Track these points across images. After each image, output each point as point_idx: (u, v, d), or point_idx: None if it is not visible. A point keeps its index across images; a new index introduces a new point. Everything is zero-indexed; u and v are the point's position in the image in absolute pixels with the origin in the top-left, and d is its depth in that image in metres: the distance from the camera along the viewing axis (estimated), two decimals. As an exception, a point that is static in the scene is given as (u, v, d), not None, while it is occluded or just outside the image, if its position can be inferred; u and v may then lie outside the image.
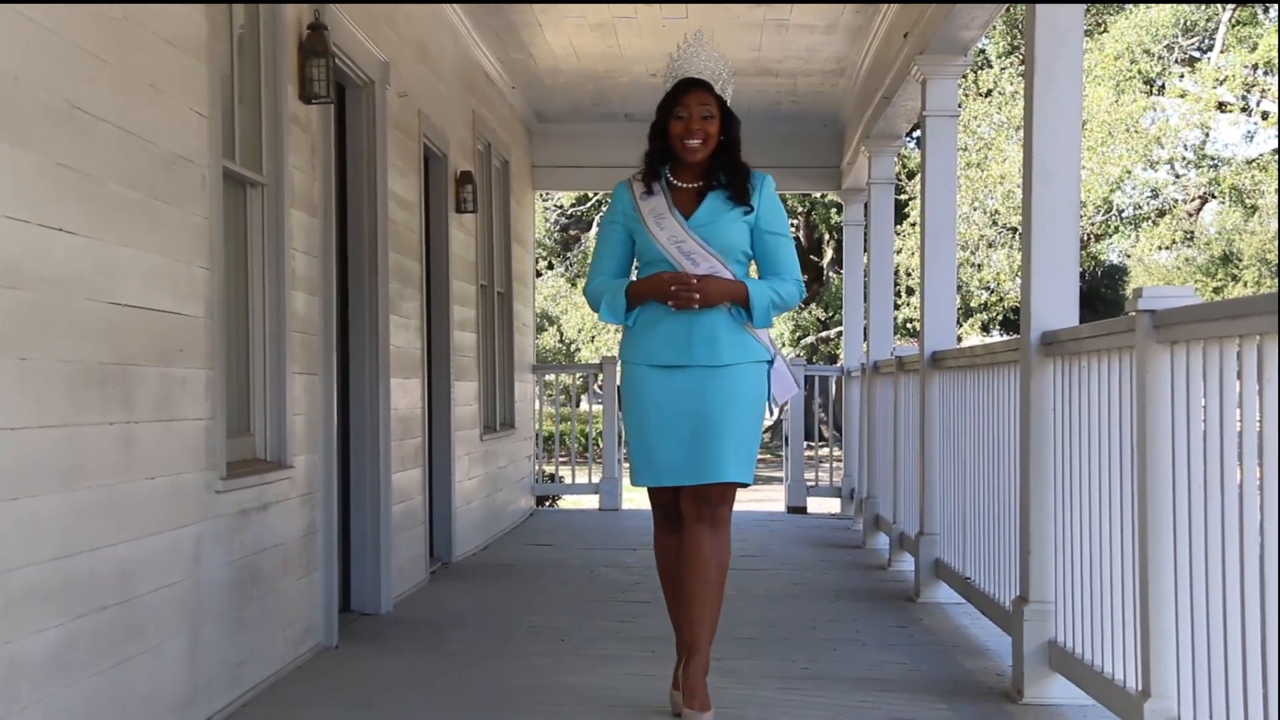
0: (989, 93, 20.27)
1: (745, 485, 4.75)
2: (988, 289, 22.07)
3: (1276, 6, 17.99)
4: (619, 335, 4.94)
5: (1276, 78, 18.45)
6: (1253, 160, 20.57)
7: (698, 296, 4.64)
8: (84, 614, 3.75)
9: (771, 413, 5.19)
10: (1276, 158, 19.67)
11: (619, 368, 4.93)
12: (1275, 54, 18.69)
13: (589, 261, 5.07)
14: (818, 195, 23.57)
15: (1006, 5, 6.69)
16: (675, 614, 4.84)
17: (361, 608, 6.79)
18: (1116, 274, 25.51)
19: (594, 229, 25.29)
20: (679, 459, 4.67)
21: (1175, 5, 18.99)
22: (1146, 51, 19.41)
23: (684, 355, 4.69)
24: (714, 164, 4.78)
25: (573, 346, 26.46)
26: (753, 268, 4.89)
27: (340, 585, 6.34)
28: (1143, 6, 20.26)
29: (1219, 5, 19.34)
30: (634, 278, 4.88)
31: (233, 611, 4.86)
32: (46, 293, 3.57)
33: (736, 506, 4.96)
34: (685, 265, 4.68)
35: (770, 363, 4.77)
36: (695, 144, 4.72)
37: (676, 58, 4.85)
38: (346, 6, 6.33)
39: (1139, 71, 19.49)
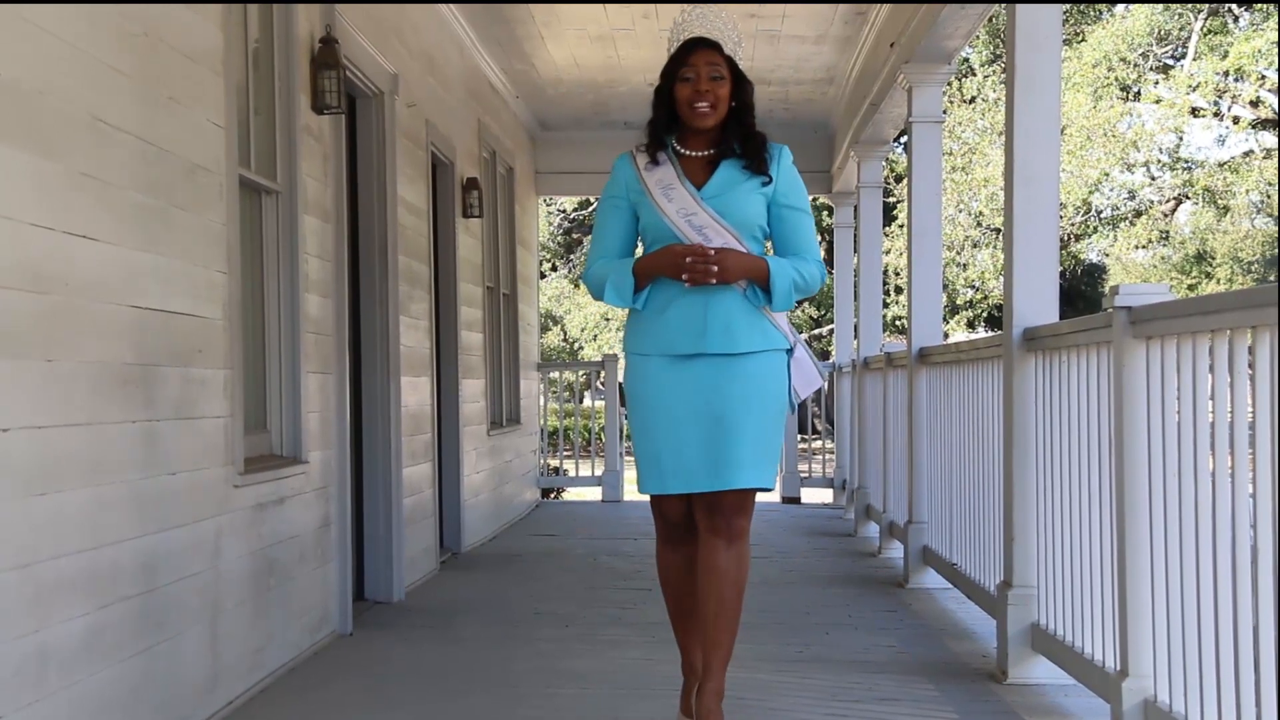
0: (973, 99, 20.27)
1: (766, 490, 4.09)
2: (973, 287, 22.07)
3: (1276, 5, 17.91)
4: (621, 333, 4.51)
5: (1278, 72, 18.37)
6: (1224, 163, 20.59)
7: (715, 269, 3.94)
8: (109, 603, 3.76)
9: (793, 408, 4.37)
10: (1278, 153, 19.62)
11: (622, 361, 4.21)
12: (1245, 61, 18.67)
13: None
14: (809, 198, 23.53)
15: (989, 16, 6.69)
16: (682, 634, 4.24)
17: (375, 596, 6.79)
18: (1095, 272, 25.49)
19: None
20: (692, 463, 3.99)
21: (1149, 14, 18.98)
22: (1123, 59, 19.40)
23: (698, 342, 4.01)
24: (726, 131, 4.12)
25: (576, 345, 26.46)
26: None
27: (354, 575, 6.34)
28: (1119, 16, 20.24)
29: (1191, 14, 19.33)
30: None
31: (252, 600, 4.87)
32: (71, 297, 3.58)
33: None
34: (696, 242, 4.01)
35: (790, 352, 4.12)
36: (704, 108, 4.05)
37: (681, 22, 4.21)
38: (356, 22, 6.33)
39: (1116, 78, 19.49)
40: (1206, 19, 19.58)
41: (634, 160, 4.17)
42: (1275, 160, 19.61)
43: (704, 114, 4.07)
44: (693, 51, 4.10)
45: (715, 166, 4.11)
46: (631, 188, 4.15)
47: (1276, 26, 18.34)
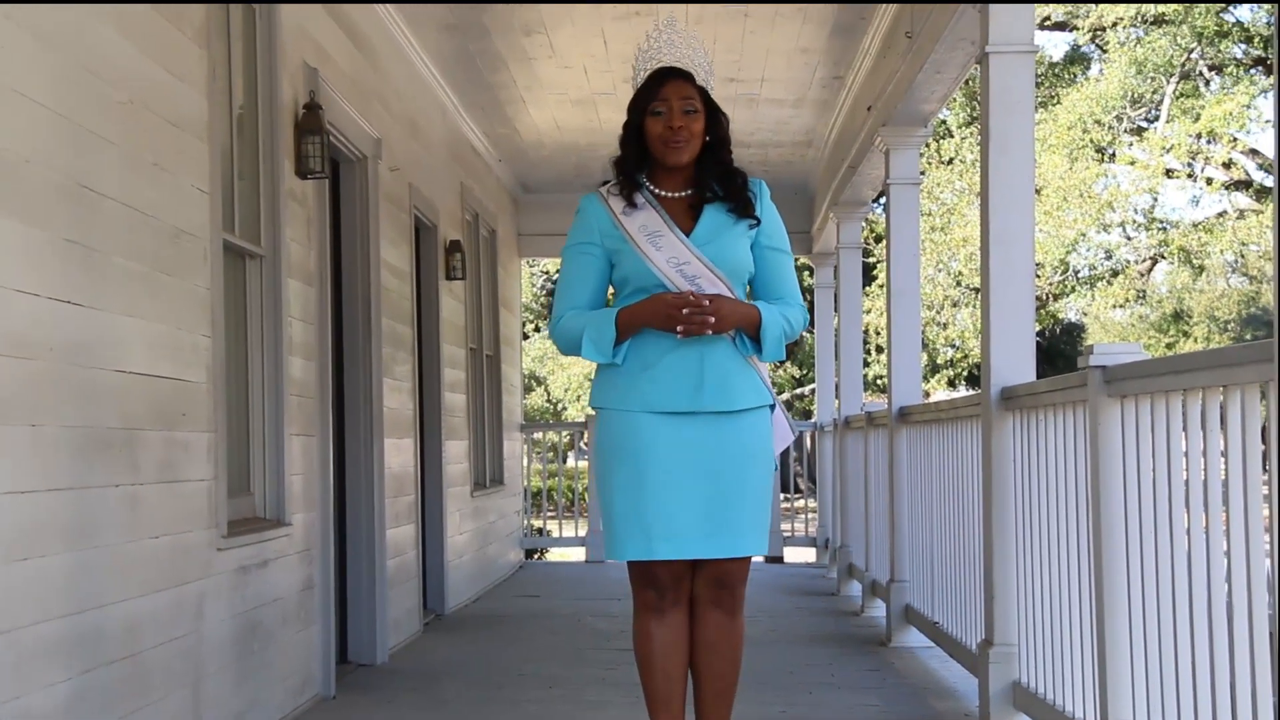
0: (950, 161, 20.43)
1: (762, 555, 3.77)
2: (953, 346, 22.14)
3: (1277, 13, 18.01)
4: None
5: (1274, 97, 18.53)
6: (1199, 223, 20.77)
7: (712, 320, 3.64)
8: (92, 668, 3.74)
9: (776, 466, 4.15)
10: (1275, 191, 19.72)
11: (597, 417, 3.87)
12: (1217, 123, 18.87)
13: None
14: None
15: (964, 79, 6.77)
16: (661, 716, 3.82)
17: (358, 659, 6.76)
18: (1074, 331, 25.60)
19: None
20: (686, 526, 3.67)
21: (1122, 78, 19.19)
22: (1097, 121, 19.59)
23: (694, 399, 3.70)
24: (702, 168, 3.82)
25: (559, 405, 26.45)
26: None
27: (337, 637, 6.31)
28: (1093, 79, 20.46)
29: (1163, 78, 19.55)
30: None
31: (234, 664, 4.84)
32: (56, 362, 3.58)
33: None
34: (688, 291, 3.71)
35: (772, 408, 3.89)
36: (679, 144, 3.75)
37: (646, 48, 3.86)
38: (340, 88, 6.38)
39: (1091, 140, 19.67)
40: (1178, 82, 19.81)
41: (605, 202, 3.82)
42: (1251, 220, 19.75)
43: (677, 150, 3.76)
44: (663, 83, 3.77)
45: (697, 209, 3.81)
46: (606, 233, 3.80)
47: (1275, 60, 18.49)
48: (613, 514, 3.74)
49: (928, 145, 18.70)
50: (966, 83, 10.51)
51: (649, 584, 3.77)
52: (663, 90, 3.77)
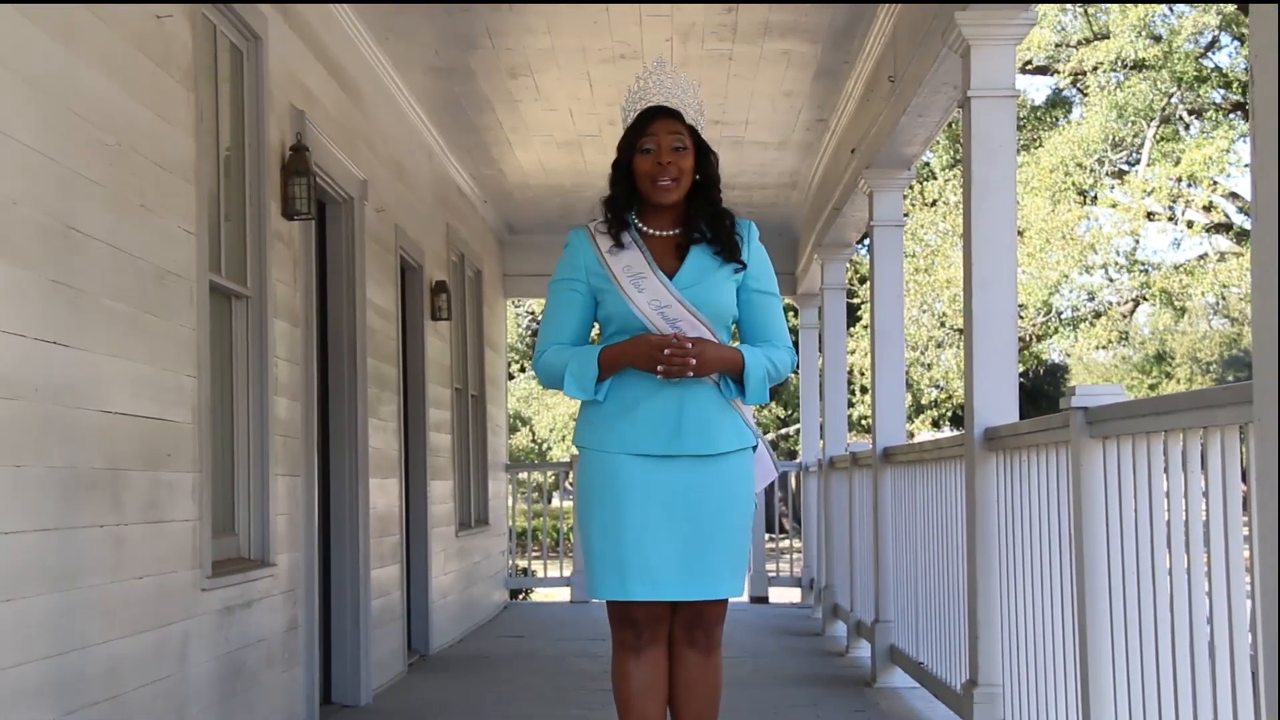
0: (934, 202, 20.52)
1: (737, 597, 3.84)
2: (937, 387, 22.18)
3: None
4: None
5: (1252, 142, 18.60)
6: (1180, 266, 20.88)
7: (693, 363, 3.65)
8: (74, 710, 3.71)
9: (756, 504, 4.24)
10: (1255, 233, 19.75)
11: (580, 457, 3.89)
12: (1197, 168, 19.01)
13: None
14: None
15: (947, 121, 6.82)
16: None
17: (342, 700, 6.72)
18: (1058, 372, 25.67)
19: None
20: (662, 569, 3.67)
21: (1103, 122, 19.33)
22: (1079, 165, 19.70)
23: (673, 443, 3.70)
24: (691, 208, 3.80)
25: (544, 445, 26.42)
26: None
27: (321, 678, 6.28)
28: (1075, 123, 20.61)
29: (1144, 122, 19.71)
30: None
31: (218, 705, 4.81)
32: (41, 402, 3.58)
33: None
34: (669, 334, 3.70)
35: (754, 448, 3.86)
36: (667, 182, 3.73)
37: (636, 90, 3.85)
38: (327, 130, 6.40)
39: (1073, 183, 19.78)
40: (1159, 126, 19.97)
41: (593, 240, 3.81)
42: (1232, 263, 19.85)
43: (666, 189, 3.75)
44: (653, 120, 3.77)
45: (684, 249, 3.80)
46: (592, 271, 3.80)
47: (1253, 105, 18.58)
48: (591, 553, 3.77)
49: (911, 187, 18.78)
50: (949, 126, 10.57)
51: (626, 624, 3.77)
52: (651, 127, 3.76)
